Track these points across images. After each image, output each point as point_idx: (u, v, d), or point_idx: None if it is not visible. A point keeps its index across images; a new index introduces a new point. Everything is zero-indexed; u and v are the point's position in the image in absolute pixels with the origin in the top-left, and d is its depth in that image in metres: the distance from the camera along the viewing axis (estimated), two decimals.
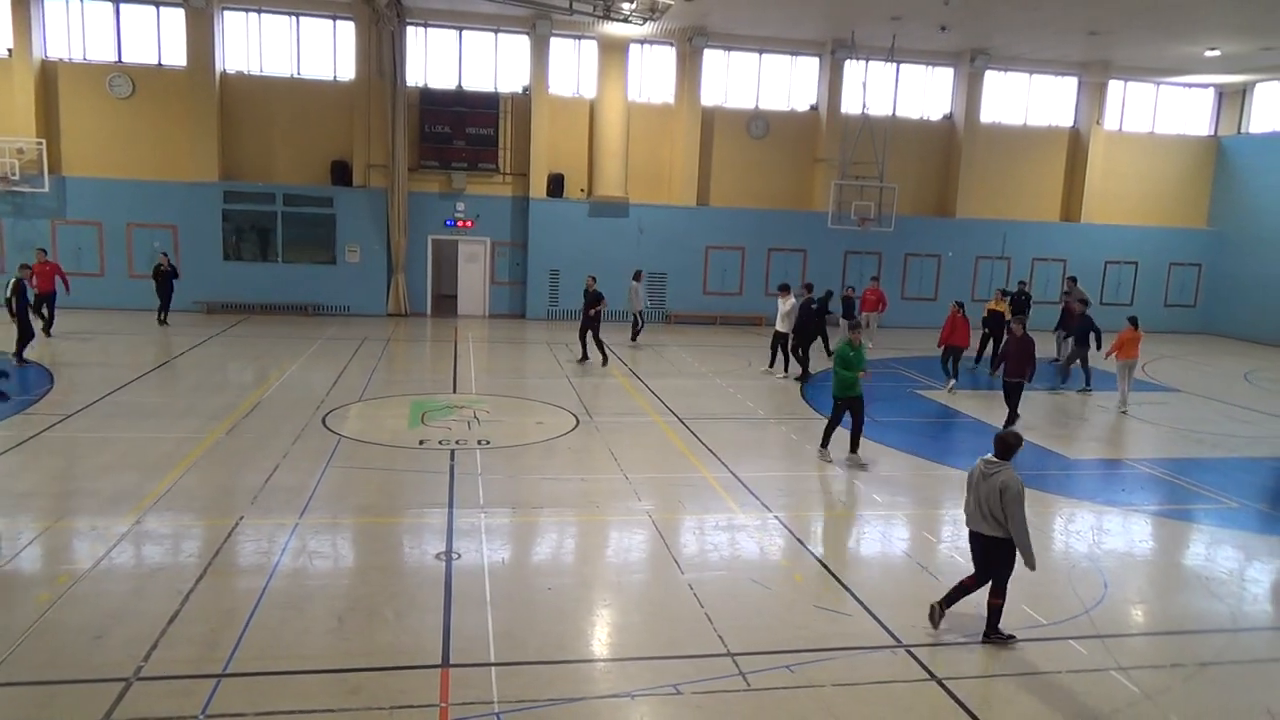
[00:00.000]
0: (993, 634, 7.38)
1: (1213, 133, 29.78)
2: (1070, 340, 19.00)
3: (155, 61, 23.89)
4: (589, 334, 18.96)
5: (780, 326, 18.57)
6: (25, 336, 16.24)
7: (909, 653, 7.15)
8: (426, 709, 6.07)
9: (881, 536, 9.90)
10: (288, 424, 13.15)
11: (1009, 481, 7.06)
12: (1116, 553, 9.77)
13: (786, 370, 18.64)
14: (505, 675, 6.54)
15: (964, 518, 7.56)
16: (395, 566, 8.50)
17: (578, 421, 14.12)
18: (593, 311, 18.81)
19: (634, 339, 21.97)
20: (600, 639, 7.35)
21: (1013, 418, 14.52)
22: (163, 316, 21.79)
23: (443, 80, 25.18)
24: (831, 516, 10.54)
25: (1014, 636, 7.41)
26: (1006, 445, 7.26)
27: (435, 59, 25.12)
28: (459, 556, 8.65)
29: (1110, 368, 17.64)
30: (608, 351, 19.19)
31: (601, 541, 9.48)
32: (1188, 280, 29.64)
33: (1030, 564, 7.11)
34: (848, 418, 12.50)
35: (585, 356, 19.04)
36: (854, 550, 9.63)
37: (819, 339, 20.37)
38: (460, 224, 25.39)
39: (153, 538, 8.77)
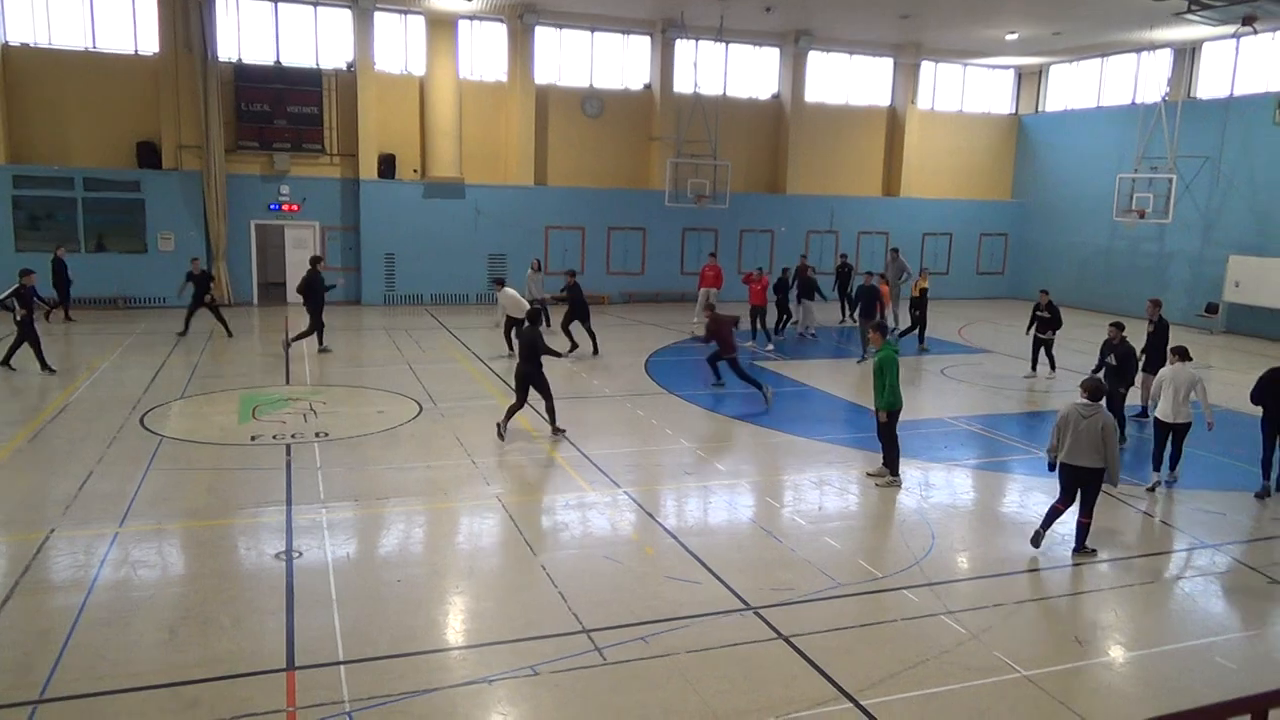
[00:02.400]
0: (1081, 547, 8.81)
1: (1014, 111, 32.10)
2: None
3: None
4: (573, 324, 18.75)
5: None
6: None
7: (757, 614, 7.41)
8: (273, 715, 5.80)
9: (727, 505, 10.19)
10: (101, 426, 12.20)
11: (1107, 420, 8.52)
12: (942, 505, 10.44)
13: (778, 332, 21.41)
14: (355, 673, 6.34)
15: (1055, 454, 8.82)
16: (231, 570, 8.06)
17: (421, 408, 13.78)
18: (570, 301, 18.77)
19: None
20: (454, 627, 7.24)
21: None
22: None
23: (259, 55, 23.81)
24: (679, 489, 10.76)
25: (1096, 550, 8.87)
26: (1098, 390, 8.69)
27: (250, 33, 23.71)
28: (300, 555, 8.29)
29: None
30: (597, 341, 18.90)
31: (451, 529, 9.32)
32: (996, 249, 31.91)
33: (1115, 480, 8.73)
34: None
35: (575, 345, 18.79)
36: (702, 520, 9.86)
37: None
38: (285, 207, 24.18)
39: None
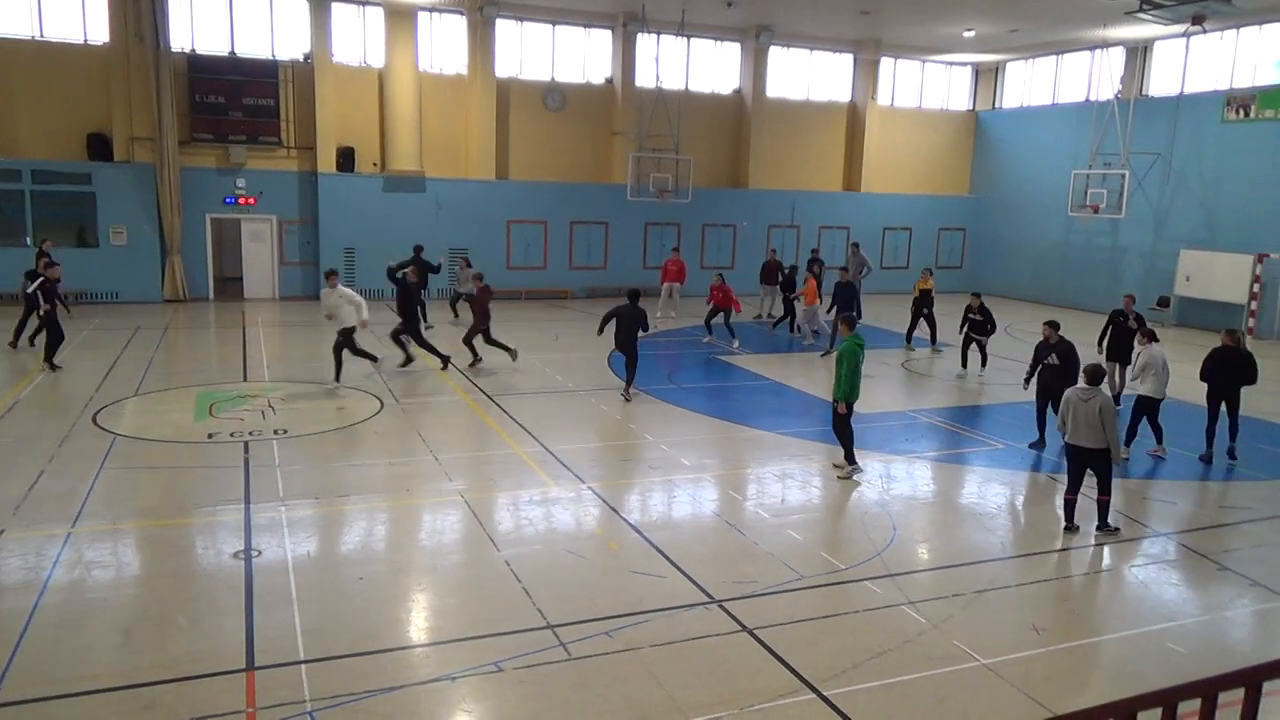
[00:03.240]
0: (1103, 526, 9.20)
1: (971, 107, 32.51)
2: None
3: None
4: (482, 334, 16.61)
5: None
6: None
7: (721, 607, 7.44)
8: (232, 715, 5.72)
9: (691, 499, 10.22)
10: (51, 425, 11.93)
11: (1105, 402, 8.95)
12: (903, 497, 10.56)
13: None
14: (316, 672, 6.27)
15: (1064, 434, 9.33)
16: (188, 570, 7.92)
17: (382, 404, 13.65)
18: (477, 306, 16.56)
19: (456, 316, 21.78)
20: (417, 625, 7.18)
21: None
22: None
23: (213, 46, 23.38)
24: (643, 483, 10.77)
25: (1119, 529, 9.29)
26: (1096, 375, 9.11)
27: (203, 23, 23.26)
28: (259, 554, 8.17)
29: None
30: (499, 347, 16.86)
31: (414, 526, 9.24)
32: (955, 243, 32.32)
33: (1118, 460, 9.11)
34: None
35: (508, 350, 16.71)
36: (665, 514, 9.88)
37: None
38: (242, 201, 23.79)
39: None
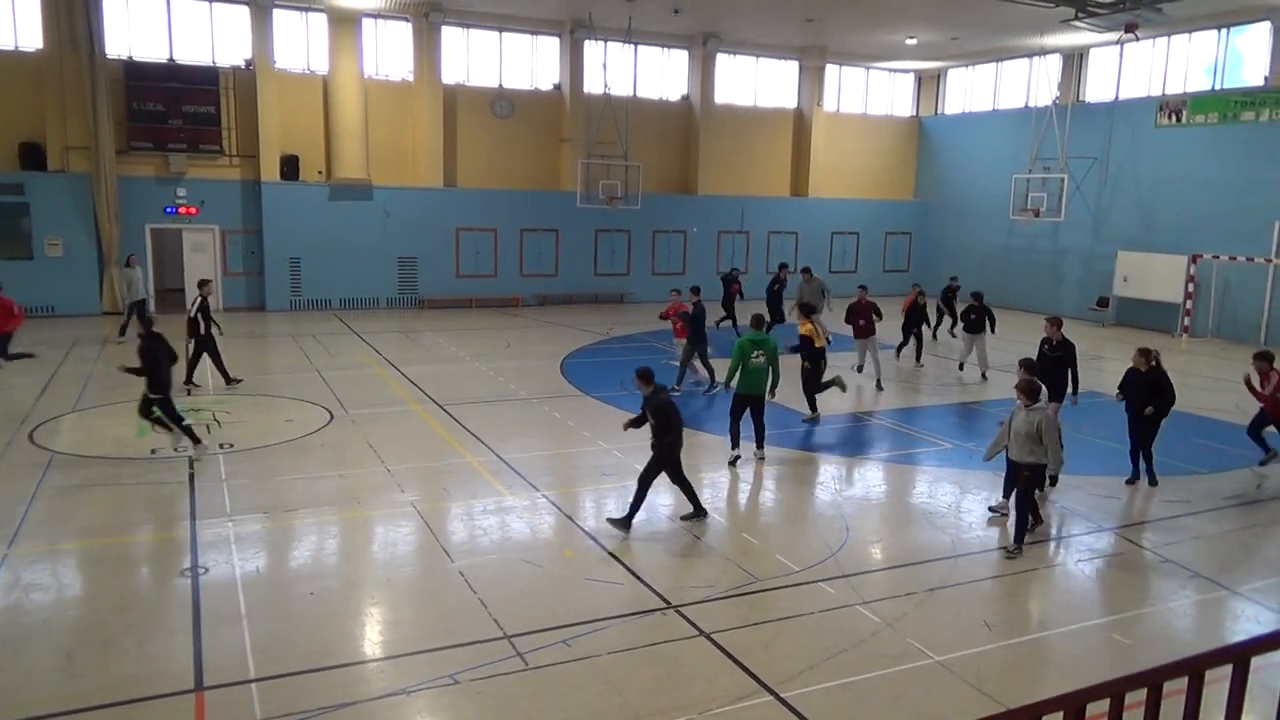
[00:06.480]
0: (1018, 544, 8.93)
1: (915, 114, 33.08)
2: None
3: None
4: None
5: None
6: None
7: (678, 612, 7.45)
8: None
9: (646, 505, 10.19)
10: None
11: (1044, 416, 8.96)
12: (855, 498, 10.68)
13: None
14: (268, 690, 6.14)
15: (1004, 452, 9.38)
16: (132, 590, 7.72)
17: (331, 416, 13.44)
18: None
19: (123, 333, 18.93)
20: (370, 639, 7.07)
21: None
22: None
23: (151, 53, 22.88)
24: (598, 490, 10.74)
25: (1020, 552, 8.93)
26: (1033, 390, 9.06)
27: (141, 29, 22.76)
28: (206, 571, 7.99)
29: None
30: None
31: (365, 538, 9.11)
32: (901, 247, 32.83)
33: (1055, 472, 9.31)
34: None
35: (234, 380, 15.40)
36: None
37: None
38: (183, 210, 23.27)
39: None
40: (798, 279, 21.34)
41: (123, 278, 19.37)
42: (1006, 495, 9.72)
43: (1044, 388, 9.89)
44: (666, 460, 9.31)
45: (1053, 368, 11.73)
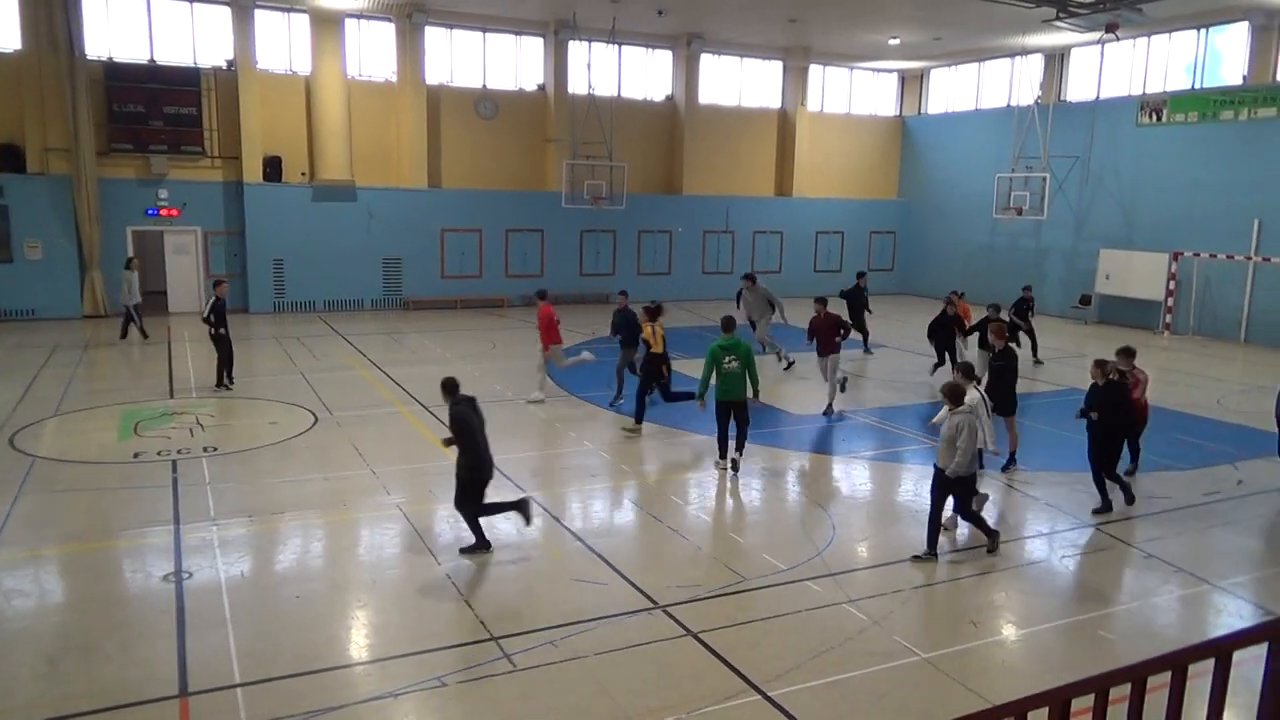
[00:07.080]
0: (928, 553, 8.60)
1: (898, 113, 33.21)
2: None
3: None
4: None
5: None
6: None
7: (665, 612, 7.45)
8: None
9: (633, 505, 10.22)
10: None
11: (966, 419, 8.46)
12: (841, 496, 10.71)
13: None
14: (254, 695, 6.10)
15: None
16: (115, 595, 7.65)
17: (316, 418, 13.38)
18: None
19: (124, 335, 19.13)
20: (357, 642, 7.04)
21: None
22: None
23: (132, 53, 22.70)
24: (584, 491, 10.73)
25: (933, 556, 8.62)
26: (956, 393, 8.62)
27: (121, 29, 22.57)
28: (190, 575, 7.93)
29: None
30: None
31: (351, 541, 9.07)
32: (886, 246, 32.95)
33: (955, 471, 8.44)
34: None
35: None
36: (607, 521, 9.86)
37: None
38: (164, 212, 23.11)
39: None
40: (865, 289, 20.23)
41: (123, 280, 19.28)
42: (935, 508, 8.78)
43: (985, 398, 9.46)
44: (470, 484, 8.38)
45: (996, 379, 10.90)
